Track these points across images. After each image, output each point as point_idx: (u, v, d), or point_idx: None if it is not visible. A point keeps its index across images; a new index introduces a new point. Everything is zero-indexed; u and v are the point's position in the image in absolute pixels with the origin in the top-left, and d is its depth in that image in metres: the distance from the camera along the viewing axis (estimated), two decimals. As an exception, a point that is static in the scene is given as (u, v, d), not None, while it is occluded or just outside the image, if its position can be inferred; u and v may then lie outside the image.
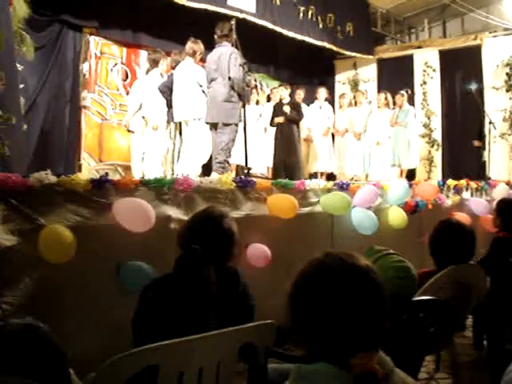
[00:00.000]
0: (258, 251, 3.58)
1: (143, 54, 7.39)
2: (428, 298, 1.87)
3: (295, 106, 7.32)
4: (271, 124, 7.39)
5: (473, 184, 6.29)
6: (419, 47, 9.76)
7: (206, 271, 1.88)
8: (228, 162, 5.19)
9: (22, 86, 4.85)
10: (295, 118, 7.19)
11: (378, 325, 1.13)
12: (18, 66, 4.53)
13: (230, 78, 5.00)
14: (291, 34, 8.04)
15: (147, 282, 2.10)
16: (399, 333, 1.77)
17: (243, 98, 5.03)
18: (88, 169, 6.71)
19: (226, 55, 5.04)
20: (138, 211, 3.05)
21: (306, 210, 4.21)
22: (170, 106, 5.71)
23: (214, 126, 5.24)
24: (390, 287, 1.82)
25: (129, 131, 6.03)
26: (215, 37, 5.26)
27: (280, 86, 7.79)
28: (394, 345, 1.51)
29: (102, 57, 7.14)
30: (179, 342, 1.64)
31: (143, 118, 5.72)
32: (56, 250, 2.66)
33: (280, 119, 7.12)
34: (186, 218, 3.32)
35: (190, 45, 5.51)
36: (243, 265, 3.22)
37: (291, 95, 7.55)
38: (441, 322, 2.03)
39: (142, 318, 1.93)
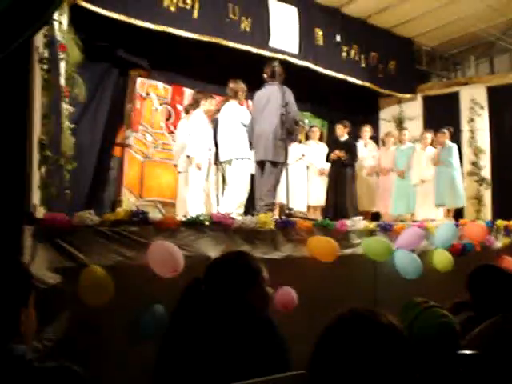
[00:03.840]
0: (284, 296, 3.46)
1: (187, 94, 7.57)
2: (470, 352, 1.77)
3: (349, 148, 7.32)
4: (327, 160, 7.46)
5: (524, 224, 6.04)
6: (465, 84, 9.60)
7: (214, 305, 1.78)
8: (274, 204, 5.18)
9: (73, 125, 5.02)
10: (349, 163, 7.25)
11: None
12: (69, 107, 4.71)
13: (282, 115, 5.02)
14: (333, 74, 8.07)
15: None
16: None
17: (294, 136, 5.04)
18: (127, 205, 6.81)
19: (278, 93, 5.12)
20: (166, 258, 3.07)
21: (349, 251, 4.14)
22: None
23: (260, 164, 5.28)
24: (431, 343, 1.75)
25: (179, 172, 6.10)
26: (264, 76, 5.39)
27: (338, 123, 7.72)
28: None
29: (148, 97, 7.35)
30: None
31: (188, 157, 5.83)
32: (95, 295, 2.70)
33: (334, 156, 7.22)
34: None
35: (230, 86, 5.64)
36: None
37: (349, 133, 7.62)
38: (484, 376, 1.91)
39: (163, 365, 1.81)
